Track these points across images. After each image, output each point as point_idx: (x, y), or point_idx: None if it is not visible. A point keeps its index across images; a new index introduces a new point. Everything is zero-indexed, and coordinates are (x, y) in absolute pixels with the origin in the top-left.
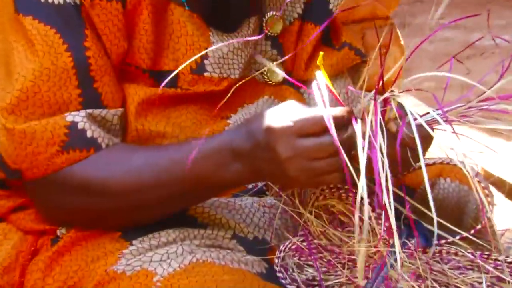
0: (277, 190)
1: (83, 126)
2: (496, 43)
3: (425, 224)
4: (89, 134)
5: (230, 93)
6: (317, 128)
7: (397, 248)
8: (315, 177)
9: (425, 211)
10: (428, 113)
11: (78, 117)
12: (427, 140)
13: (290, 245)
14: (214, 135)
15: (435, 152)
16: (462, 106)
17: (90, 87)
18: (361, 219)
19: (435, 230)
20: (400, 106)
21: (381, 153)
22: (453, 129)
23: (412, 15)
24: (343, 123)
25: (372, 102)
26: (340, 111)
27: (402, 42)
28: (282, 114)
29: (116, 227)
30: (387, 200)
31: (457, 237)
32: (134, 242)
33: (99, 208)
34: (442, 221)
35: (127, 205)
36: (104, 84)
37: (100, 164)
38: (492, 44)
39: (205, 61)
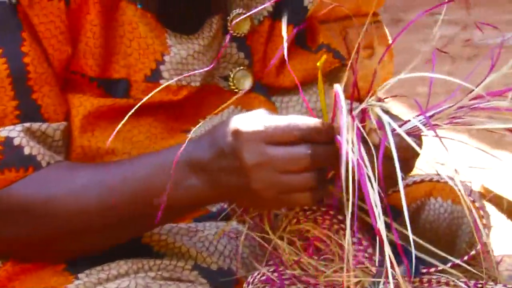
0: (241, 213)
1: (19, 142)
2: (501, 42)
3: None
4: (26, 151)
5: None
6: (291, 137)
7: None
8: (283, 194)
9: (412, 236)
10: (409, 120)
11: (14, 132)
12: (414, 151)
13: (259, 276)
14: (170, 147)
15: (425, 167)
16: (449, 107)
17: (28, 98)
18: (341, 246)
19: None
20: (385, 115)
21: (367, 170)
22: (437, 134)
23: (405, 11)
24: (322, 137)
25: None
26: (321, 123)
27: (390, 42)
28: (252, 119)
29: (60, 257)
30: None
31: (449, 264)
32: (80, 275)
33: (39, 234)
34: (430, 247)
35: (70, 229)
36: (44, 95)
37: (40, 184)
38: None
39: (161, 67)
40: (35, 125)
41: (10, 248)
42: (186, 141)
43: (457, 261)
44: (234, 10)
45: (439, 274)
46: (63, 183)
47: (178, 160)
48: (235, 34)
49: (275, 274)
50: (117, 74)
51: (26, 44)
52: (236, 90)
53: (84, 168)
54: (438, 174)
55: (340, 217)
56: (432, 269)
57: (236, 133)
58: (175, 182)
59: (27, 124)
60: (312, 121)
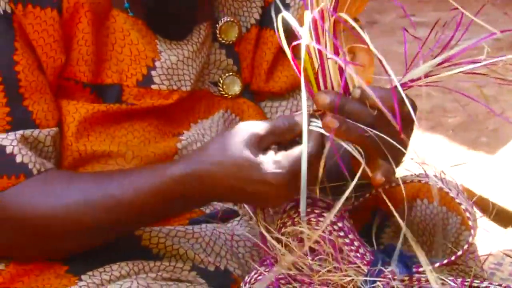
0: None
1: (11, 151)
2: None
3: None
4: (18, 159)
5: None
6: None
7: None
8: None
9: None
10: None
11: (7, 140)
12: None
13: (256, 275)
14: (158, 167)
15: (412, 168)
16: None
17: (19, 105)
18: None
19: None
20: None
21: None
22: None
23: (380, 13)
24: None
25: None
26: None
27: (372, 47)
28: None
29: (54, 257)
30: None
31: (437, 264)
32: (83, 277)
33: (26, 242)
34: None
35: (61, 244)
36: (34, 101)
37: (31, 193)
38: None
39: (152, 72)
40: (27, 132)
41: (6, 250)
42: (175, 165)
43: (445, 261)
44: (223, 18)
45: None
46: (57, 197)
47: (168, 191)
48: (224, 41)
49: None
50: (109, 79)
51: (18, 53)
52: (225, 95)
53: (76, 182)
54: (425, 175)
55: (333, 219)
56: (421, 269)
57: (231, 144)
58: (165, 207)
59: (19, 132)
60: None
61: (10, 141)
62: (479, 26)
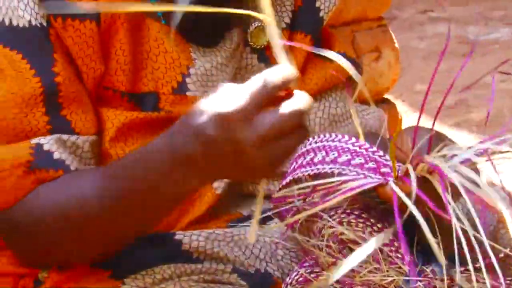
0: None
1: (49, 148)
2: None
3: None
4: (56, 156)
5: None
6: (269, 96)
7: None
8: (283, 157)
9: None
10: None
11: (44, 140)
12: None
13: (296, 277)
14: (151, 142)
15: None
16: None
17: (58, 115)
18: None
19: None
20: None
21: None
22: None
23: (399, 9)
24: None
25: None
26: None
27: (396, 45)
28: (225, 97)
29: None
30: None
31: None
32: (126, 280)
33: (68, 236)
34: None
35: (74, 235)
36: (72, 111)
37: (71, 187)
38: (491, 39)
39: (187, 80)
40: (65, 136)
41: (49, 249)
42: (166, 135)
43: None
44: (254, 23)
45: (467, 272)
46: (65, 191)
47: (163, 156)
48: (255, 46)
49: (312, 275)
50: (146, 88)
51: (57, 64)
52: None
53: (87, 174)
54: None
55: (372, 220)
56: (462, 268)
57: (221, 119)
58: (158, 177)
59: (57, 135)
60: (279, 72)
61: (47, 140)
62: (496, 20)
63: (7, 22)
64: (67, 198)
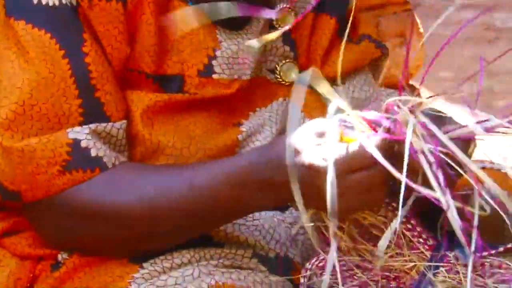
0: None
1: (86, 144)
2: None
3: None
4: (93, 152)
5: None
6: (365, 162)
7: None
8: (366, 206)
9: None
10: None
11: (81, 135)
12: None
13: (317, 262)
14: (230, 158)
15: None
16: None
17: (91, 97)
18: (394, 232)
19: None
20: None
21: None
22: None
23: None
24: (385, 150)
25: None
26: (381, 140)
27: (421, 30)
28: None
29: (123, 256)
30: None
31: (501, 248)
32: (144, 264)
33: (104, 235)
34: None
35: (136, 234)
36: (106, 93)
37: (107, 187)
38: None
39: (213, 62)
40: (100, 127)
41: (76, 244)
42: (249, 154)
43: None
44: (279, 5)
45: (491, 257)
46: (130, 189)
47: (245, 178)
48: (280, 28)
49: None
50: (171, 70)
51: (87, 44)
52: (282, 82)
53: (150, 173)
54: (487, 161)
55: (394, 205)
56: (485, 253)
57: (314, 169)
58: (240, 198)
59: (92, 126)
60: (375, 142)
61: (85, 134)
62: None
63: (35, 0)
64: (156, 193)
